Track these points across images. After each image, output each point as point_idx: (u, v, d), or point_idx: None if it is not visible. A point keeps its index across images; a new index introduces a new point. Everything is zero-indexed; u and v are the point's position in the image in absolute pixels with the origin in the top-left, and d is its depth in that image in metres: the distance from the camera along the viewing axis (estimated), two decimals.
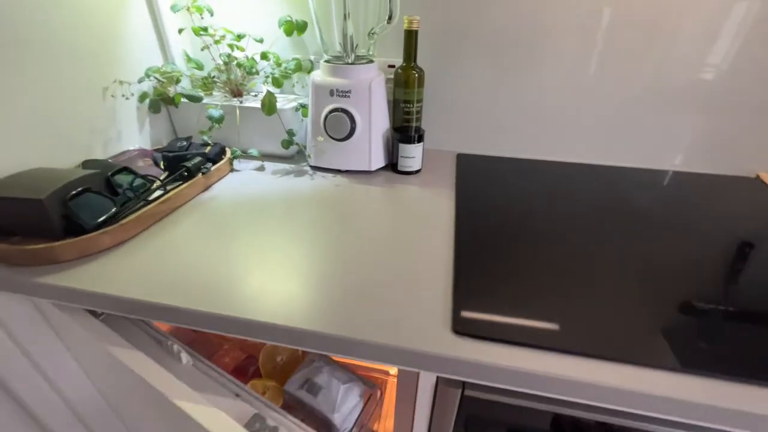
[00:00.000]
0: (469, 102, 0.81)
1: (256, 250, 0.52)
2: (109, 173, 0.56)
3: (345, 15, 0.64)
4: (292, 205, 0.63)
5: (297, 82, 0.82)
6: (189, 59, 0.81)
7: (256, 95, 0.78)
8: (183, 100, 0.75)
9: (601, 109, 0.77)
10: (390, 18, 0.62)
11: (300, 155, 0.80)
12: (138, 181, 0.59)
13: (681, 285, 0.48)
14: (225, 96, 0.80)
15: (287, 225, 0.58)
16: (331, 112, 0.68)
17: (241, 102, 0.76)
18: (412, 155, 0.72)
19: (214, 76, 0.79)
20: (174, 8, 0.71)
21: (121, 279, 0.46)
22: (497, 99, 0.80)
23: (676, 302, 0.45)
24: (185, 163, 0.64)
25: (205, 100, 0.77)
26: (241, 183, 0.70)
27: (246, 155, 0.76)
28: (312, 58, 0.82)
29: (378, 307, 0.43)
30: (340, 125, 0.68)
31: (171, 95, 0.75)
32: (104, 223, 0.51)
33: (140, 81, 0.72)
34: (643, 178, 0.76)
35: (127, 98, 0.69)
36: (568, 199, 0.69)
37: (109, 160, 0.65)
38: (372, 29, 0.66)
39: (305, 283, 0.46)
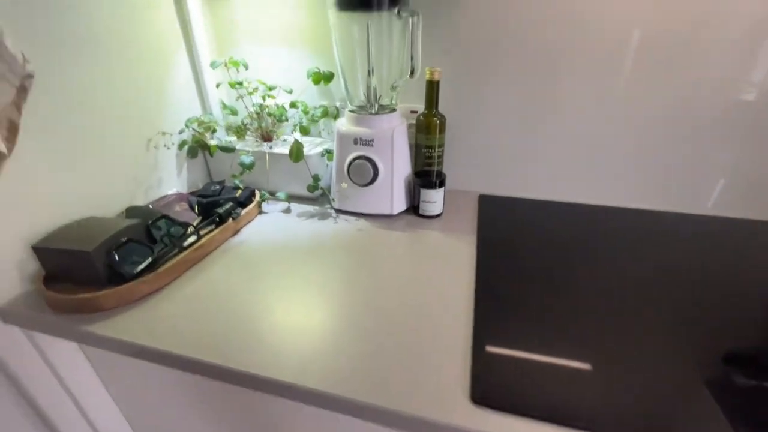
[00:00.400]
0: (491, 144, 0.82)
1: (280, 301, 0.54)
2: (149, 222, 0.60)
3: (369, 71, 0.68)
4: (316, 252, 0.65)
5: (323, 129, 0.86)
6: (224, 106, 0.87)
7: (285, 140, 0.83)
8: (213, 143, 0.80)
9: (626, 148, 0.75)
10: (412, 73, 0.64)
11: (324, 196, 0.83)
12: (174, 228, 0.63)
13: (722, 344, 0.46)
14: (256, 140, 0.85)
15: (311, 274, 0.59)
16: (354, 159, 0.71)
17: (270, 147, 0.80)
18: (434, 200, 0.73)
19: (246, 123, 0.84)
20: (213, 65, 0.77)
21: (157, 329, 0.49)
22: (519, 140, 0.80)
23: (719, 369, 0.42)
24: (217, 208, 0.68)
25: (238, 146, 0.82)
26: (268, 227, 0.73)
27: (274, 197, 0.80)
28: (338, 104, 0.86)
29: (393, 368, 0.43)
30: (363, 172, 0.71)
31: (208, 142, 0.81)
32: (142, 272, 0.54)
33: (181, 132, 0.78)
34: (672, 223, 0.74)
35: (168, 148, 0.75)
36: (593, 246, 0.67)
37: (150, 206, 0.70)
38: (395, 82, 0.69)
39: (323, 339, 0.47)
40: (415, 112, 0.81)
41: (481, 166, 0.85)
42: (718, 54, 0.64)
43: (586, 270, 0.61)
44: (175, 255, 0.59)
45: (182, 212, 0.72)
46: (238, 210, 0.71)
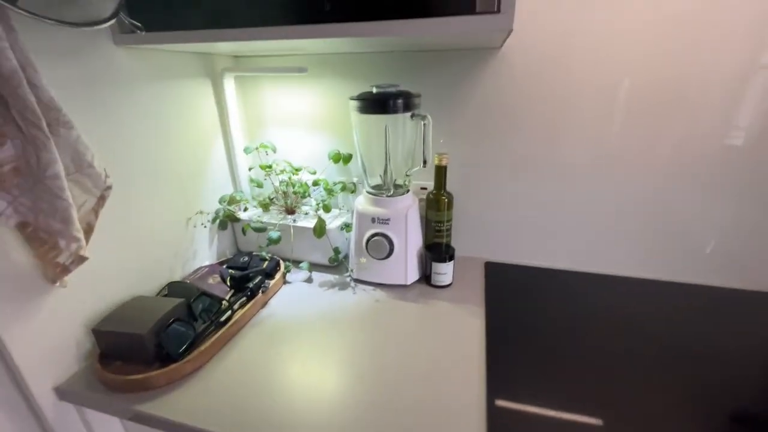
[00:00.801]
0: (495, 215, 0.90)
1: (307, 374, 0.59)
2: (191, 300, 0.67)
3: (386, 162, 0.77)
4: (338, 323, 0.71)
5: (342, 207, 0.94)
6: (252, 180, 0.97)
7: (306, 213, 0.91)
8: (243, 217, 0.89)
9: (617, 220, 0.83)
10: (425, 163, 0.74)
11: (343, 265, 0.90)
12: (211, 303, 0.70)
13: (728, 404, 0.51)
14: (280, 213, 0.93)
15: (335, 347, 0.65)
16: (372, 236, 0.79)
17: (294, 221, 0.89)
18: (444, 272, 0.80)
19: (273, 198, 0.93)
20: (247, 151, 0.88)
21: (198, 408, 0.54)
22: (521, 212, 0.88)
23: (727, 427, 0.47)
24: (248, 283, 0.75)
25: (264, 218, 0.90)
26: (293, 297, 0.80)
27: (297, 266, 0.87)
28: (355, 180, 0.95)
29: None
30: (380, 248, 0.78)
31: (238, 216, 0.89)
32: (186, 351, 0.60)
33: (217, 214, 0.87)
34: (673, 291, 0.80)
35: (205, 226, 0.83)
36: (596, 313, 0.73)
37: (188, 281, 0.77)
38: (408, 170, 0.79)
39: (346, 410, 0.52)
40: (425, 188, 0.90)
41: (486, 236, 0.93)
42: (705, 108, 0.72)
43: (591, 341, 0.66)
44: (213, 332, 0.66)
45: (215, 285, 0.79)
46: (267, 283, 0.78)
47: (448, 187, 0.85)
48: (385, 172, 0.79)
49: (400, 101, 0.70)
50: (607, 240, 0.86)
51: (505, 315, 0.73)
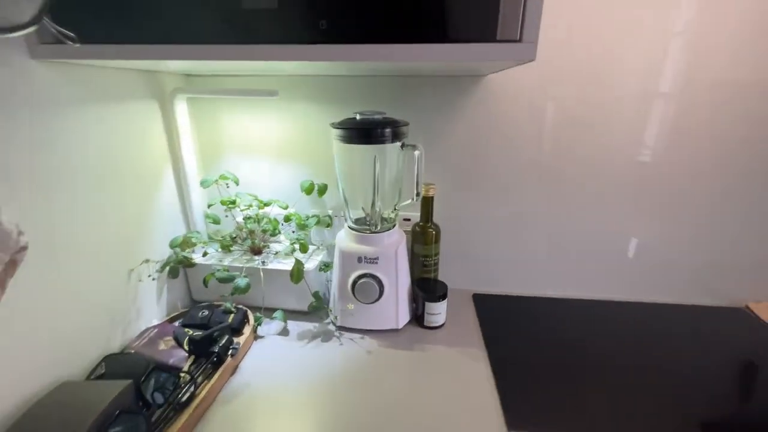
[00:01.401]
0: (480, 246, 0.87)
1: None
2: (139, 379, 0.53)
3: (373, 200, 0.70)
4: (326, 385, 0.61)
5: (318, 244, 0.85)
6: (207, 215, 0.83)
7: (276, 253, 0.80)
8: (201, 261, 0.75)
9: (586, 242, 0.84)
10: (418, 195, 0.68)
11: (323, 309, 0.80)
12: (167, 380, 0.55)
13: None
14: (244, 253, 0.81)
15: (324, 414, 0.55)
16: (359, 278, 0.70)
17: (263, 263, 0.77)
18: (438, 311, 0.74)
19: (235, 237, 0.80)
20: (204, 184, 0.75)
21: None
22: (507, 242, 0.86)
23: None
24: (212, 346, 0.62)
25: (226, 260, 0.77)
26: (268, 357, 0.67)
27: (269, 316, 0.75)
28: (330, 212, 0.86)
29: None
30: (370, 291, 0.70)
31: (192, 261, 0.75)
32: None
33: (167, 262, 0.72)
34: (650, 311, 0.82)
35: (153, 279, 0.68)
36: (590, 339, 0.73)
37: (131, 351, 0.61)
38: (397, 204, 0.72)
39: None
40: (408, 219, 0.85)
41: (472, 267, 0.89)
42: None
43: (605, 369, 0.66)
44: (174, 418, 0.52)
45: (169, 351, 0.64)
46: (237, 344, 0.65)
47: (434, 219, 0.80)
48: (373, 205, 0.71)
49: (388, 130, 0.64)
50: (595, 266, 0.86)
51: (506, 351, 0.69)
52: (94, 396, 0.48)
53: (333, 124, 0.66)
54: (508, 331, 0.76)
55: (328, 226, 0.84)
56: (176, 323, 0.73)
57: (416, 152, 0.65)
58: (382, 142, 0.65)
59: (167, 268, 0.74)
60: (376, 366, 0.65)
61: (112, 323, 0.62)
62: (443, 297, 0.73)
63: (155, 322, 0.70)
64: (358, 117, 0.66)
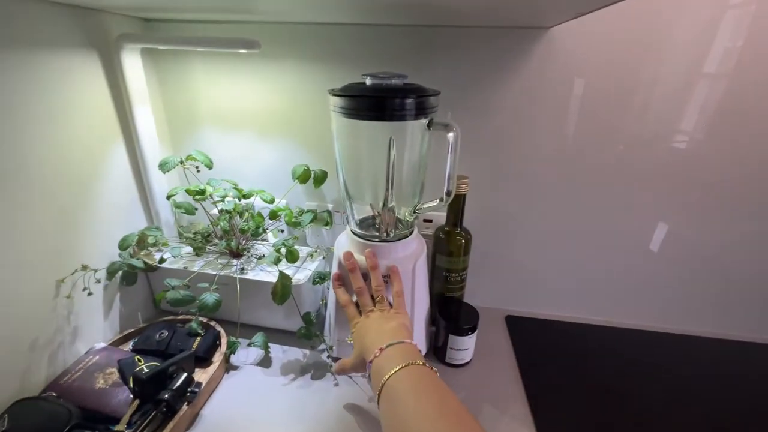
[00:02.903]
0: (516, 256, 0.68)
1: None
2: None
3: (386, 198, 0.51)
4: None
5: (315, 251, 0.66)
6: (177, 205, 0.66)
7: (261, 258, 0.63)
8: (163, 264, 0.59)
9: (646, 269, 0.65)
10: (449, 195, 0.49)
11: (317, 336, 0.63)
12: None
13: None
14: (221, 255, 0.64)
15: None
16: None
17: (242, 270, 0.60)
18: (464, 347, 0.56)
19: (208, 235, 0.63)
20: (164, 167, 0.57)
21: None
22: (549, 254, 0.67)
23: None
24: (162, 391, 0.46)
25: (196, 265, 0.60)
26: (240, 399, 0.52)
27: (246, 340, 0.58)
28: (330, 207, 0.68)
29: None
30: None
31: (152, 264, 0.59)
32: None
33: (113, 268, 0.55)
34: (700, 345, 0.63)
35: (90, 293, 0.52)
36: (647, 372, 0.57)
37: (50, 396, 0.46)
38: (418, 206, 0.53)
39: None
40: (430, 221, 0.66)
41: (506, 282, 0.71)
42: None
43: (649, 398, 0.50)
44: None
45: (107, 391, 0.48)
46: (197, 385, 0.49)
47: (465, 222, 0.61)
48: (385, 205, 0.52)
49: (411, 102, 0.44)
50: (639, 295, 0.67)
51: (553, 398, 0.53)
52: None
53: (332, 90, 0.47)
54: (555, 370, 0.58)
55: (327, 224, 0.66)
56: (129, 344, 0.58)
57: (450, 134, 0.45)
58: (402, 117, 0.45)
59: (119, 275, 0.57)
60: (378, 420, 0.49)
61: (32, 351, 0.47)
62: (472, 330, 0.56)
63: (100, 344, 0.55)
64: (368, 81, 0.47)
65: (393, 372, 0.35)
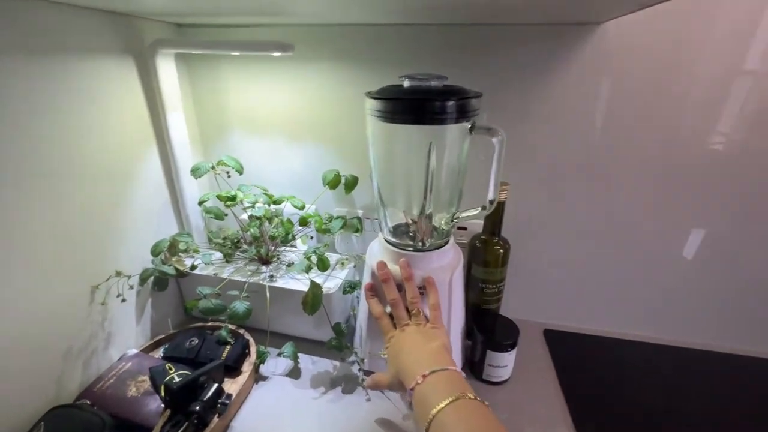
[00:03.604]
0: (555, 266, 0.64)
1: None
2: None
3: (423, 206, 0.48)
4: None
5: (345, 259, 0.64)
6: (207, 210, 0.65)
7: (290, 265, 0.61)
8: (194, 271, 0.58)
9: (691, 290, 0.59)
10: (491, 203, 0.46)
11: (347, 348, 0.61)
12: None
13: None
14: (250, 261, 0.63)
15: None
16: None
17: (272, 278, 0.59)
18: (504, 364, 0.53)
19: (237, 241, 0.62)
20: (195, 173, 0.56)
21: None
22: (593, 266, 0.63)
23: None
24: (194, 402, 0.45)
25: (226, 272, 0.60)
26: (270, 411, 0.50)
27: (276, 349, 0.57)
28: (360, 213, 0.66)
29: None
30: None
31: (183, 270, 0.58)
32: None
33: (146, 274, 0.55)
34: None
35: (124, 300, 0.52)
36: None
37: (85, 403, 0.45)
38: (455, 214, 0.50)
39: None
40: (464, 228, 0.63)
41: (543, 293, 0.67)
42: None
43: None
44: None
45: (139, 399, 0.48)
46: (227, 399, 0.47)
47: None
48: (422, 212, 0.50)
49: (452, 104, 0.42)
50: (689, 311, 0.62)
51: (599, 418, 0.49)
52: None
53: (369, 93, 0.45)
54: (601, 390, 0.54)
55: (358, 231, 0.64)
56: (160, 350, 0.58)
57: (495, 139, 0.42)
58: (442, 121, 0.43)
59: (151, 280, 0.57)
60: None
61: (67, 358, 0.47)
62: (512, 346, 0.52)
63: (132, 351, 0.55)
64: (406, 83, 0.44)
65: (443, 406, 0.33)
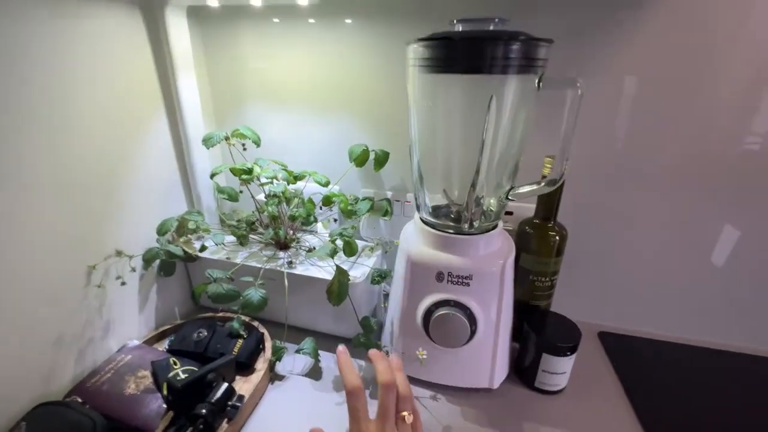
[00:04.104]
0: (611, 264, 0.56)
1: None
2: None
3: (475, 177, 0.40)
4: None
5: (373, 244, 0.57)
6: (220, 189, 0.59)
7: (311, 250, 0.54)
8: (204, 254, 0.52)
9: None
10: (559, 179, 0.38)
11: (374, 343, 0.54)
12: None
13: None
14: (266, 245, 0.56)
15: None
16: (437, 307, 0.42)
17: (290, 263, 0.52)
18: (562, 370, 0.45)
19: (254, 222, 0.56)
20: (207, 142, 0.50)
21: None
22: (662, 262, 0.54)
23: None
24: (200, 406, 0.38)
25: (239, 256, 0.53)
26: (285, 416, 0.43)
27: (294, 345, 0.50)
28: (389, 195, 0.59)
29: None
30: (454, 330, 0.42)
31: (192, 254, 0.52)
32: None
33: (150, 255, 0.48)
34: None
35: (123, 282, 0.45)
36: None
37: (74, 401, 0.39)
38: (510, 190, 0.42)
39: None
40: (510, 213, 0.55)
41: (597, 292, 0.58)
42: None
43: None
44: None
45: (138, 398, 0.41)
46: (238, 401, 0.40)
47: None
48: (473, 186, 0.42)
49: (517, 48, 0.34)
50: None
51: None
52: None
53: (416, 39, 0.37)
54: (672, 401, 0.46)
55: (386, 214, 0.57)
56: (166, 342, 0.51)
57: (572, 92, 0.34)
58: (506, 70, 0.35)
59: (156, 264, 0.51)
60: None
61: (59, 347, 0.41)
62: (572, 350, 0.44)
63: (133, 342, 0.48)
64: (459, 27, 0.37)
65: None
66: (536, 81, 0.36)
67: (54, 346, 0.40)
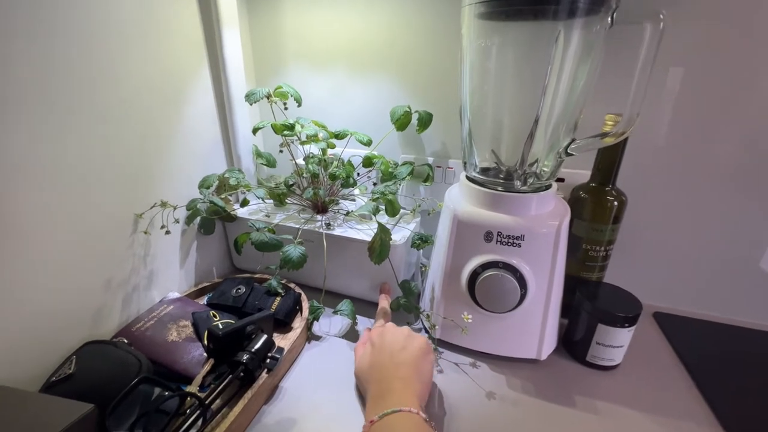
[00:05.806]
0: (670, 240, 0.51)
1: None
2: (115, 402, 0.30)
3: (532, 130, 0.37)
4: None
5: (413, 210, 0.56)
6: (258, 154, 0.59)
7: (349, 213, 0.53)
8: (243, 214, 0.52)
9: None
10: (623, 133, 0.34)
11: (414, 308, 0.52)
12: (159, 402, 0.33)
13: None
14: (304, 209, 0.55)
15: None
16: (484, 269, 0.40)
17: (329, 226, 0.51)
18: (619, 343, 0.42)
19: (292, 185, 0.55)
20: (250, 98, 0.49)
21: None
22: (731, 240, 0.49)
23: None
24: (241, 354, 0.38)
25: (277, 217, 0.53)
26: (323, 375, 0.42)
27: (331, 303, 0.49)
28: (431, 161, 0.57)
29: None
30: (503, 293, 0.40)
31: (231, 213, 0.52)
32: None
33: (195, 208, 0.48)
34: None
35: (168, 232, 0.46)
36: None
37: (122, 341, 0.39)
38: (571, 143, 0.39)
39: None
40: (562, 180, 0.51)
41: (653, 269, 0.54)
42: None
43: None
44: None
45: (180, 344, 0.41)
46: (278, 353, 0.40)
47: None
48: (530, 139, 0.39)
49: None
50: None
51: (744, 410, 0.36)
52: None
53: None
54: (739, 379, 0.41)
55: (427, 180, 0.55)
56: (204, 299, 0.52)
57: (651, 26, 0.31)
58: (573, 11, 0.32)
59: (196, 221, 0.51)
60: (499, 419, 0.37)
61: (107, 291, 0.41)
62: (632, 321, 0.41)
63: (174, 294, 0.49)
64: None
65: None
66: (610, 15, 0.33)
67: (102, 289, 0.41)
